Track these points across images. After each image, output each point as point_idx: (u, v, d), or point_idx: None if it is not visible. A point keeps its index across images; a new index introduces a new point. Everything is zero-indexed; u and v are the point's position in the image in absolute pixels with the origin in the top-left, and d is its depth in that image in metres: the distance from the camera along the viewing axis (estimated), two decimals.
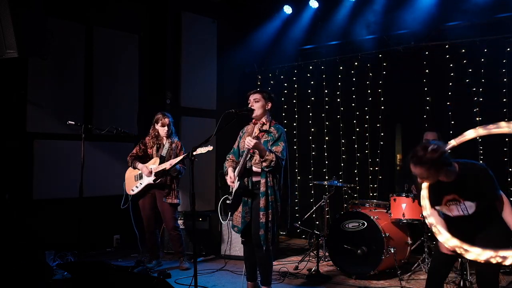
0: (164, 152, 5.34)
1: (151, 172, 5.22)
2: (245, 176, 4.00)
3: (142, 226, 5.49)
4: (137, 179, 5.38)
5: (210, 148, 4.76)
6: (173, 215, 5.37)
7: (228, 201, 4.05)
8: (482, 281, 3.13)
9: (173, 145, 5.39)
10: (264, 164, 3.83)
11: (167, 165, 5.12)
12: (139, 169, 5.31)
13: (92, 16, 6.36)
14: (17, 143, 5.70)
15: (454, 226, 3.16)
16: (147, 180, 5.27)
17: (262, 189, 3.91)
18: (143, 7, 7.01)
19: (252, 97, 4.07)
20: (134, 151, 5.43)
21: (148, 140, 5.41)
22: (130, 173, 5.48)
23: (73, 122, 5.08)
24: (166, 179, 5.28)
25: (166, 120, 5.34)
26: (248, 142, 3.77)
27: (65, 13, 6.04)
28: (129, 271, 4.68)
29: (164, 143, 5.38)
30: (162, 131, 5.35)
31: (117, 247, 6.47)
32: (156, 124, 5.37)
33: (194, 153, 4.86)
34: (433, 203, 3.17)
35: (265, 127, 4.00)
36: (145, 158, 5.39)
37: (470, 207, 3.04)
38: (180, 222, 5.66)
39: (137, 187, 5.36)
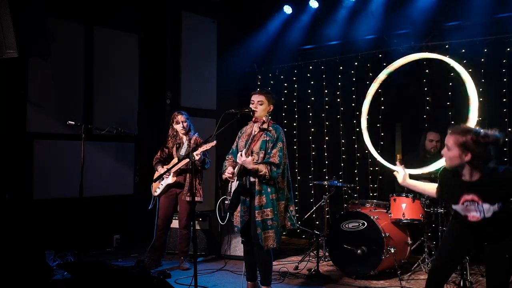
0: (183, 151, 5.35)
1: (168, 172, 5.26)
2: (244, 175, 4.01)
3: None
4: (161, 180, 5.44)
5: (213, 143, 4.78)
6: (189, 213, 5.37)
7: (226, 202, 4.05)
8: (492, 284, 2.97)
9: (192, 141, 5.39)
10: (259, 176, 3.88)
11: (185, 160, 4.98)
12: (159, 172, 5.36)
13: (92, 16, 6.35)
14: (17, 143, 5.70)
15: (471, 227, 3.02)
16: (166, 180, 5.35)
17: (258, 187, 3.93)
18: (143, 7, 7.00)
19: (256, 98, 4.05)
20: (158, 154, 5.49)
21: (169, 140, 5.45)
22: (156, 176, 5.53)
23: (73, 122, 5.10)
24: (185, 177, 5.31)
25: (181, 117, 5.36)
26: (241, 159, 3.83)
27: (65, 13, 6.03)
28: (129, 271, 4.69)
29: (184, 141, 5.40)
30: (179, 128, 5.37)
31: (117, 247, 6.47)
32: (173, 124, 5.40)
33: (197, 151, 4.92)
34: (450, 200, 3.03)
35: (265, 126, 4.04)
36: (170, 159, 5.44)
37: (487, 210, 2.84)
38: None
39: (159, 188, 5.44)
